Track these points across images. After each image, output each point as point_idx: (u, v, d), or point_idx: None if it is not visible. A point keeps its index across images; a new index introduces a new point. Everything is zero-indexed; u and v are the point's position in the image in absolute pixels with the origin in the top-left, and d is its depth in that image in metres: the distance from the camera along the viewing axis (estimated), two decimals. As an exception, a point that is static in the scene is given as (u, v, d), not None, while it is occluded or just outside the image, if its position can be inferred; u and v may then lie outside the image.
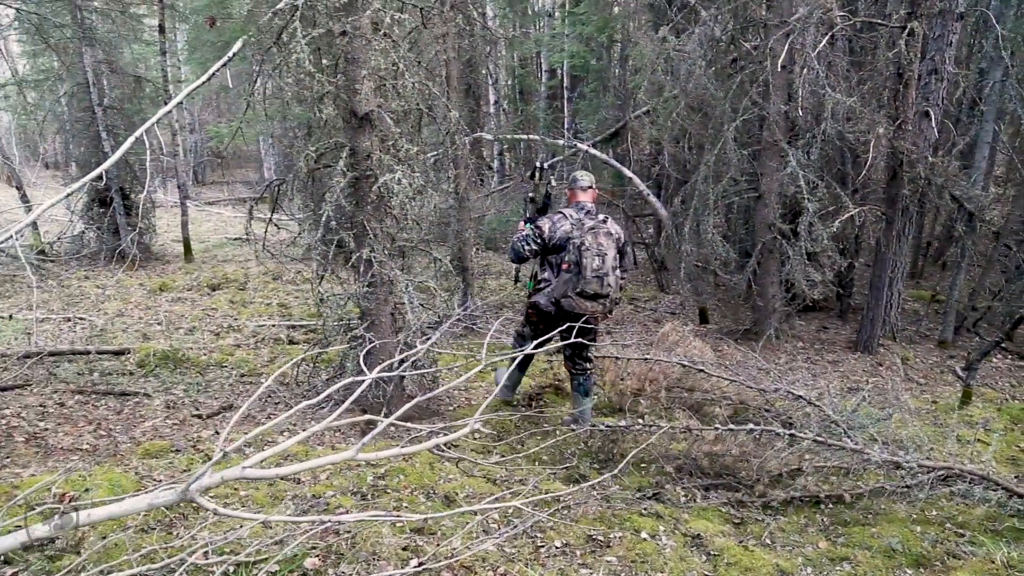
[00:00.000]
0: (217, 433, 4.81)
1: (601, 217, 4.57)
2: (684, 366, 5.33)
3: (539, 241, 4.50)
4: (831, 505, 4.03)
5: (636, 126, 10.87)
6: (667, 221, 8.68)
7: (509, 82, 18.05)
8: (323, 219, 4.34)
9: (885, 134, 6.31)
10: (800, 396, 4.96)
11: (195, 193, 20.59)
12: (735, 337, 8.26)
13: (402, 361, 4.93)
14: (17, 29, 11.59)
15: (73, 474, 3.84)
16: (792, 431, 3.91)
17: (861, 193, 7.71)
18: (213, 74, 3.62)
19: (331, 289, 5.29)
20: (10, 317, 7.80)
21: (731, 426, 4.06)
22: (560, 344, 4.44)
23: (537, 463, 4.62)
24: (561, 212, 4.57)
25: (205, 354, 6.83)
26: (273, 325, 7.98)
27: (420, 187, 4.33)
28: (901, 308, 8.11)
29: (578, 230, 4.42)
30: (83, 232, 11.54)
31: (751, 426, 4.01)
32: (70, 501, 2.76)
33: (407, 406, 2.95)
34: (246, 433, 4.58)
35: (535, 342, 4.24)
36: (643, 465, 4.52)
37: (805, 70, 6.38)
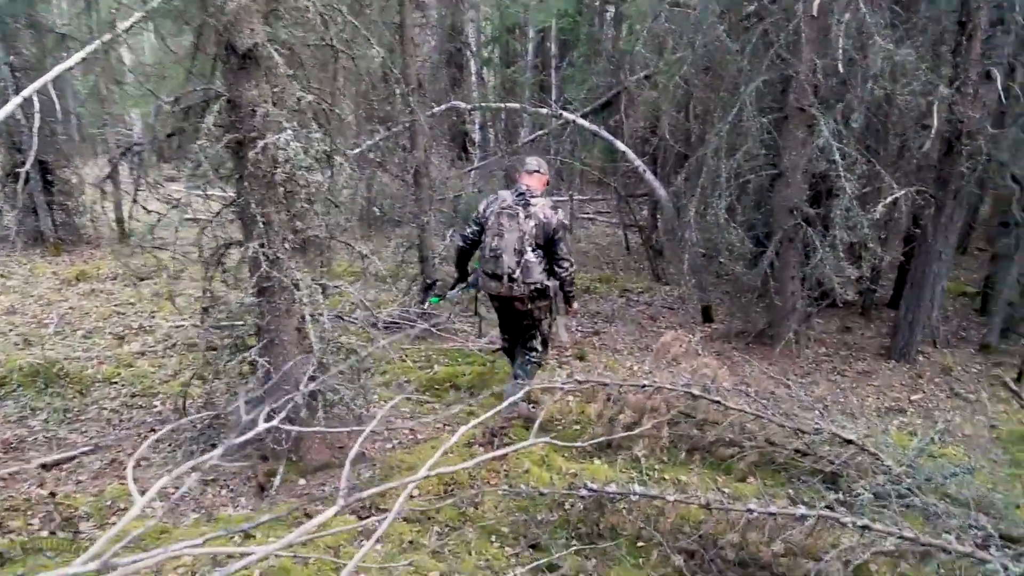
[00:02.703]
0: (53, 495, 3.48)
1: (526, 200, 4.38)
2: (694, 396, 4.03)
3: (476, 220, 4.54)
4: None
5: (631, 94, 9.48)
6: (666, 202, 7.34)
7: (494, 50, 16.53)
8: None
9: (947, 98, 4.98)
10: (851, 441, 3.68)
11: (157, 168, 19.03)
12: (746, 340, 6.98)
13: (313, 386, 3.64)
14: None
15: None
16: (866, 522, 2.61)
17: (903, 171, 6.39)
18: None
19: (227, 295, 3.96)
20: None
21: (772, 508, 2.76)
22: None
23: (494, 540, 3.32)
24: (498, 193, 4.56)
25: (94, 366, 5.48)
26: (194, 326, 6.61)
27: (322, 154, 2.99)
28: (943, 308, 6.83)
29: (495, 211, 4.43)
30: (-2, 212, 10.08)
31: (802, 510, 2.71)
32: None
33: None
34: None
35: (501, 330, 4.82)
36: (640, 546, 3.23)
37: (847, 15, 5.03)
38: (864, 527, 2.56)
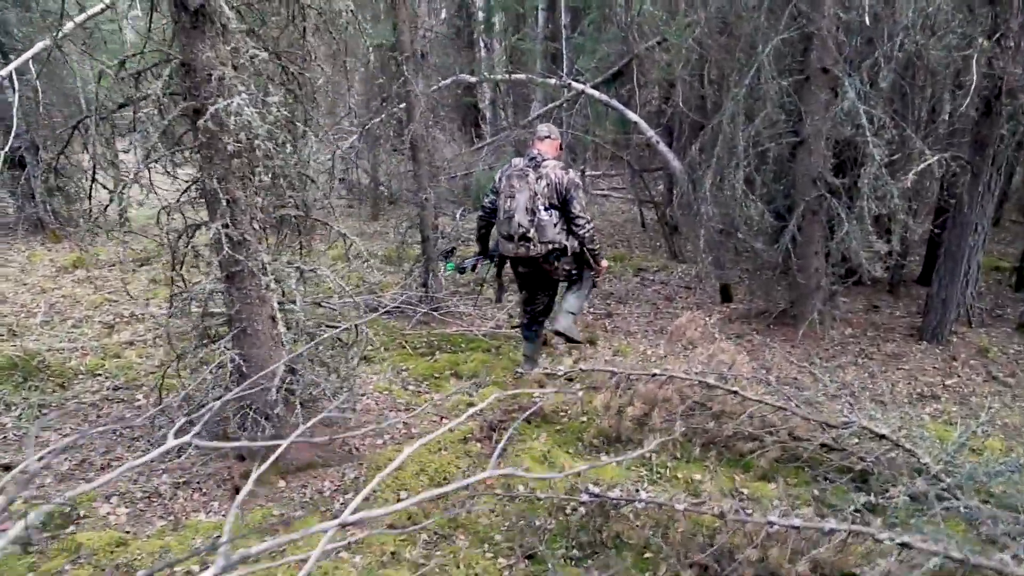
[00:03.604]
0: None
1: (536, 163, 4.41)
2: (709, 386, 3.67)
3: (494, 189, 4.61)
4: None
5: (644, 62, 9.02)
6: (680, 175, 6.93)
7: (502, 19, 16.02)
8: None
9: (986, 51, 4.52)
10: (884, 436, 3.31)
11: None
12: (767, 321, 6.58)
13: (287, 379, 3.34)
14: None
15: None
16: (905, 539, 2.25)
17: (934, 136, 5.92)
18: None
19: (200, 279, 3.65)
20: None
21: (796, 521, 2.40)
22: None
23: (486, 549, 3.01)
24: (511, 161, 4.59)
25: (78, 358, 5.23)
26: (163, 316, 6.33)
27: (282, 121, 2.65)
28: (979, 284, 6.37)
29: (507, 175, 4.50)
30: (-2, 199, 9.88)
31: (831, 524, 2.35)
32: None
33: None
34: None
35: (523, 304, 4.86)
36: (648, 558, 2.89)
37: (875, -38, 4.58)
38: (903, 544, 2.21)
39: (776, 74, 5.55)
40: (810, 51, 5.60)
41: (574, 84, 8.22)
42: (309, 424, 1.65)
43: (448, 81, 10.31)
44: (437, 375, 5.09)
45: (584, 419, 4.13)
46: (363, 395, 4.64)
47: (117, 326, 6.10)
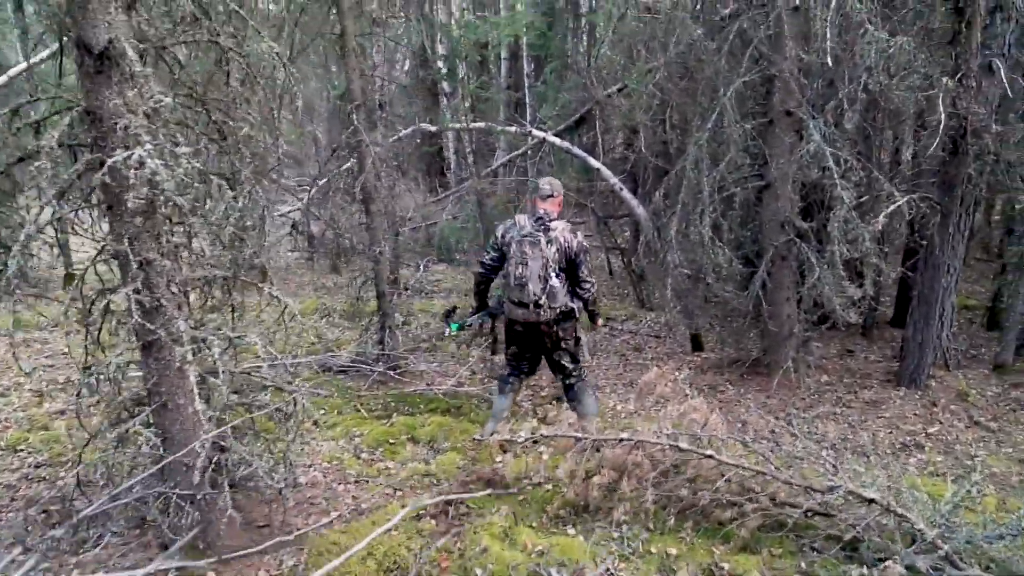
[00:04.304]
0: None
1: (546, 226, 4.38)
2: (681, 449, 3.38)
3: (495, 247, 4.56)
4: None
5: (606, 108, 8.93)
6: (645, 222, 6.74)
7: (466, 70, 16.03)
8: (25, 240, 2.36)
9: (950, 90, 4.42)
10: (873, 500, 3.04)
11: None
12: (740, 371, 6.35)
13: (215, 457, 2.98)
14: None
15: None
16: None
17: (900, 176, 5.82)
18: None
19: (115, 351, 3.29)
20: None
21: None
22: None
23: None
24: (515, 219, 4.55)
25: (-1, 431, 4.79)
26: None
27: (192, 174, 2.36)
28: (953, 326, 6.21)
29: (516, 239, 4.41)
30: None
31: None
32: None
33: None
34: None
35: (510, 362, 4.77)
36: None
37: (832, 2, 4.48)
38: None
39: (739, 118, 5.43)
40: (772, 94, 5.50)
41: (535, 132, 8.08)
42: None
43: (409, 131, 10.15)
44: (392, 441, 4.73)
45: (550, 487, 3.80)
46: (310, 466, 4.27)
47: (49, 393, 5.66)
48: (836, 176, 4.87)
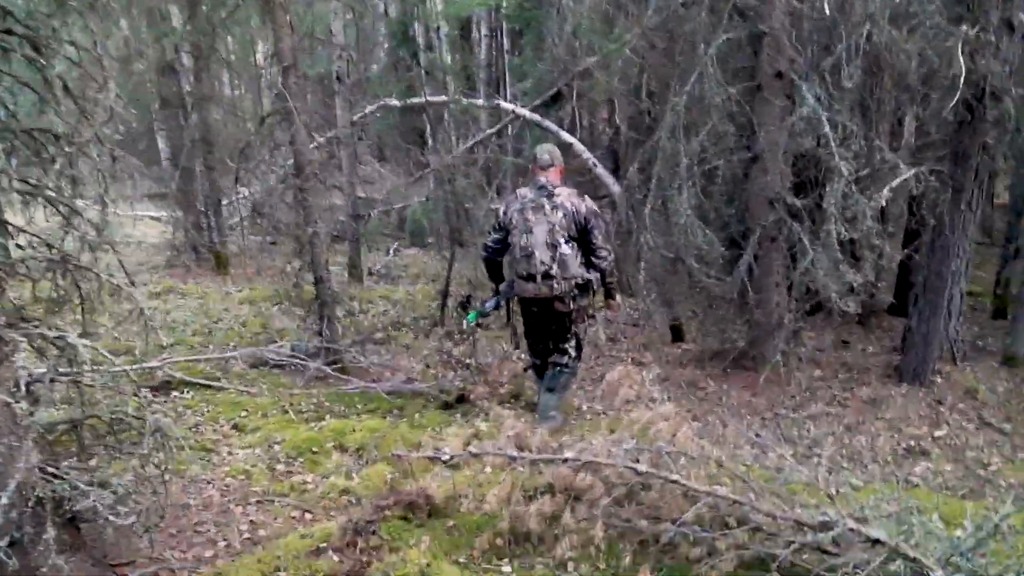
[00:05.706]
0: None
1: (549, 192, 4.11)
2: (639, 473, 2.73)
3: (497, 225, 4.34)
4: None
5: (581, 82, 8.25)
6: (619, 199, 6.08)
7: (442, 46, 15.32)
8: None
9: (971, 42, 3.76)
10: (879, 541, 2.41)
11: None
12: (724, 364, 5.71)
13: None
14: None
15: None
16: None
17: (905, 147, 5.16)
18: None
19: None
20: None
21: None
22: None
23: None
24: (515, 192, 4.41)
25: None
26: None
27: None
28: (961, 315, 5.58)
29: (517, 209, 4.18)
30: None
31: None
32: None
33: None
34: None
35: (533, 349, 4.53)
36: None
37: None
38: None
39: (722, 80, 4.75)
40: (760, 53, 4.82)
41: (503, 105, 7.40)
42: None
43: (374, 107, 9.47)
44: (316, 449, 4.06)
45: (483, 513, 3.14)
46: (210, 482, 3.62)
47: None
48: (834, 144, 4.20)
